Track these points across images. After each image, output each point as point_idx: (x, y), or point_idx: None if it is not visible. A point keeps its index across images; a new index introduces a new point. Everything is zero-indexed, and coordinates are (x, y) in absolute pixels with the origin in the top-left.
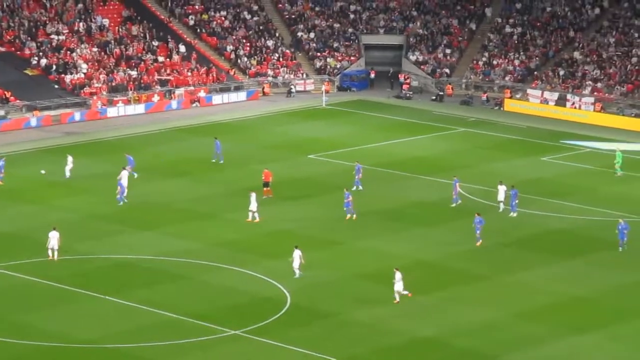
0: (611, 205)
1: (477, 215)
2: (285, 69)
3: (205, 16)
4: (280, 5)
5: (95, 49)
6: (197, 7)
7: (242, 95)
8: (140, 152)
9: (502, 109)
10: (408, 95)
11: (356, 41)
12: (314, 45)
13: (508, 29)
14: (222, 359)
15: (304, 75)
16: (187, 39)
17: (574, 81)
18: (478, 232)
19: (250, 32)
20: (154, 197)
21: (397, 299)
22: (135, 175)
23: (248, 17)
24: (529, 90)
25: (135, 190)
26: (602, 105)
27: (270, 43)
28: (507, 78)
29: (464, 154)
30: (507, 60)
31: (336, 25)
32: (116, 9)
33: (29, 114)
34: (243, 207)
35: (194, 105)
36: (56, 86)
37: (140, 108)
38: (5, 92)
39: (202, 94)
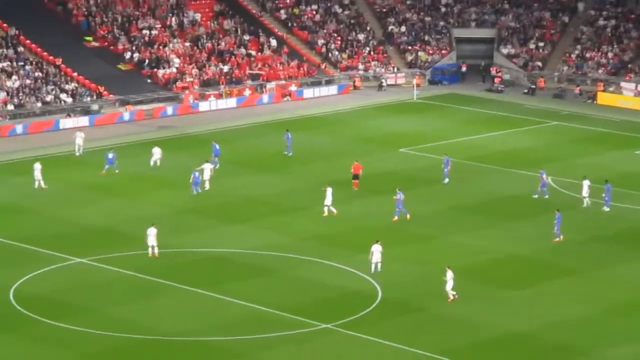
0: None
1: (556, 212)
2: (376, 62)
3: (296, 10)
4: None
5: (187, 44)
6: (288, 1)
7: (333, 89)
8: (232, 145)
9: (595, 102)
10: (500, 88)
11: (447, 34)
12: (405, 38)
13: (601, 22)
14: (314, 353)
15: (395, 69)
16: (279, 33)
17: None
18: (556, 228)
19: (342, 25)
20: (244, 190)
21: (451, 297)
22: (217, 165)
23: (339, 10)
24: (622, 83)
25: (226, 184)
26: None
27: (361, 37)
28: (600, 71)
29: (556, 148)
30: (600, 53)
31: (427, 19)
32: (208, 4)
33: (122, 108)
34: (337, 201)
35: (285, 99)
36: (149, 81)
37: (231, 102)
38: (99, 87)
39: (293, 87)
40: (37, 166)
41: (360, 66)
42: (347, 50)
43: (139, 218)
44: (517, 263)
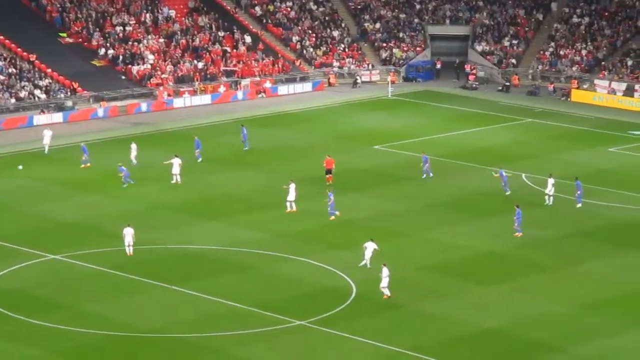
0: None
1: (516, 208)
2: (350, 59)
3: (271, 7)
4: None
5: (161, 40)
6: None
7: (307, 86)
8: (206, 142)
9: (569, 99)
10: (474, 85)
11: (422, 31)
12: (380, 35)
13: (575, 19)
14: (288, 349)
15: (370, 66)
16: (253, 30)
17: None
18: (516, 224)
19: (316, 22)
20: (219, 187)
21: (386, 293)
22: (199, 159)
23: (314, 7)
24: (596, 81)
25: (201, 181)
26: None
27: (336, 33)
28: (574, 68)
29: (530, 145)
30: (574, 50)
31: (402, 16)
32: (182, 0)
33: (96, 104)
34: (308, 197)
35: (260, 95)
36: (123, 77)
37: (206, 99)
38: (73, 83)
39: (268, 84)
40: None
41: (335, 63)
42: (321, 47)
43: (114, 214)
44: (492, 259)
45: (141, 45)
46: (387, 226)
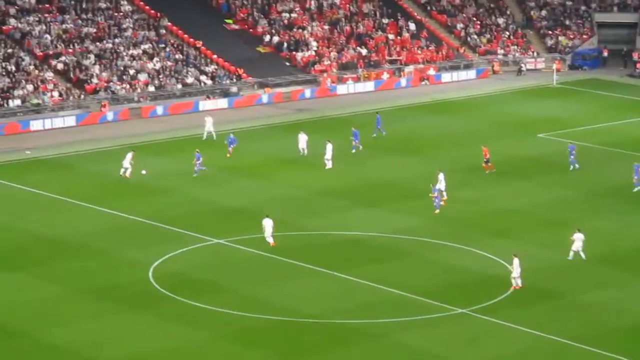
0: None
1: (432, 186)
2: (515, 47)
3: None
4: None
5: (326, 27)
6: None
7: (471, 74)
8: (369, 128)
9: None
10: None
11: (589, 19)
12: (546, 23)
13: None
14: (449, 337)
15: (535, 54)
16: (417, 17)
17: None
18: (436, 201)
19: (481, 9)
20: (380, 173)
21: (515, 284)
22: (354, 150)
23: None
24: None
25: (362, 167)
26: None
27: (500, 21)
28: None
29: None
30: None
31: (568, 3)
32: None
33: (260, 90)
34: (468, 185)
35: (423, 83)
36: (287, 63)
37: (369, 86)
38: (238, 69)
39: (431, 71)
40: (129, 155)
41: (500, 50)
42: (486, 35)
43: (276, 199)
44: None
45: (305, 31)
46: (550, 215)
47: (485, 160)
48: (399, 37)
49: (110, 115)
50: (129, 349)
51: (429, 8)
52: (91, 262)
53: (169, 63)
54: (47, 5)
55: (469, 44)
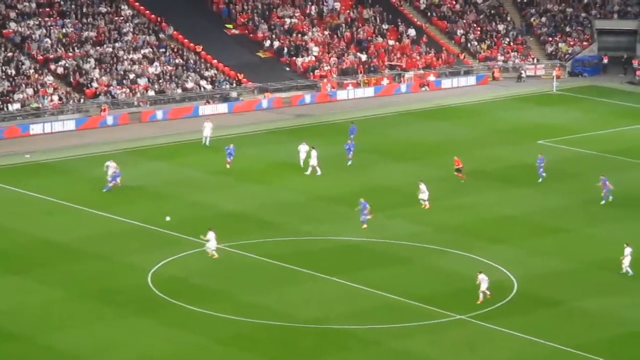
0: None
1: (362, 201)
2: (515, 53)
3: (435, 0)
4: None
5: (326, 32)
6: None
7: (471, 80)
8: (369, 134)
9: None
10: None
11: (589, 26)
12: (546, 29)
13: None
14: (448, 343)
15: (535, 60)
16: (418, 23)
17: None
18: (362, 217)
19: (481, 16)
20: (380, 179)
21: (482, 297)
22: (352, 149)
23: (479, 0)
24: None
25: (362, 173)
26: None
27: (501, 27)
28: None
29: None
30: None
31: (569, 10)
32: None
33: (260, 95)
34: (472, 191)
35: (423, 89)
36: (287, 69)
37: (369, 91)
38: (238, 74)
39: (431, 77)
40: (111, 164)
41: (500, 57)
42: (486, 41)
43: (276, 204)
44: None
45: (306, 37)
46: (550, 222)
47: (456, 169)
48: (399, 43)
49: (110, 120)
50: (129, 354)
51: (429, 14)
52: (91, 266)
53: (169, 67)
54: (47, 10)
55: (469, 50)
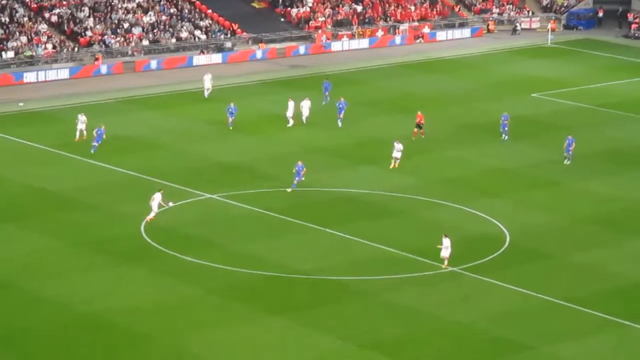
0: None
1: (298, 163)
2: (510, 6)
3: None
4: None
5: None
6: None
7: (466, 32)
8: (363, 86)
9: None
10: (637, 35)
11: None
12: None
13: None
14: (439, 295)
15: (530, 13)
16: None
17: None
18: (297, 178)
19: None
20: (375, 131)
21: (445, 263)
22: (327, 100)
23: None
24: None
25: (357, 125)
26: None
27: None
28: None
29: None
30: None
31: None
32: None
33: (255, 46)
34: (466, 143)
35: (418, 41)
36: (282, 19)
37: (364, 43)
38: (233, 25)
39: (426, 29)
40: (82, 117)
41: (495, 9)
42: None
43: (271, 156)
44: None
45: None
46: (542, 175)
47: (417, 124)
48: None
49: (104, 69)
50: (120, 302)
51: None
52: (83, 216)
53: (164, 17)
54: None
55: (464, 3)
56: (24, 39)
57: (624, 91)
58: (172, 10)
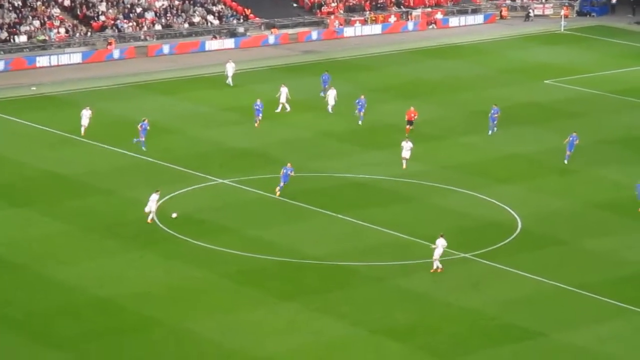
0: None
1: (287, 166)
2: None
3: None
4: None
5: None
6: None
7: (479, 18)
8: (376, 72)
9: None
10: None
11: None
12: None
13: None
14: (451, 282)
15: (543, 0)
16: None
17: None
18: (283, 181)
19: None
20: (387, 117)
21: (436, 266)
22: (322, 94)
23: None
24: None
25: (368, 111)
26: None
27: None
28: None
29: None
30: None
31: None
32: None
33: (267, 31)
34: (478, 130)
35: (431, 27)
36: (294, 5)
37: (376, 28)
38: (245, 10)
39: (439, 15)
40: (87, 112)
41: None
42: None
43: (282, 141)
44: None
45: None
46: (555, 162)
47: (408, 120)
48: None
49: (116, 53)
50: (132, 287)
51: None
52: (96, 200)
53: (176, 2)
54: None
55: None
56: (36, 23)
57: (637, 78)
58: None
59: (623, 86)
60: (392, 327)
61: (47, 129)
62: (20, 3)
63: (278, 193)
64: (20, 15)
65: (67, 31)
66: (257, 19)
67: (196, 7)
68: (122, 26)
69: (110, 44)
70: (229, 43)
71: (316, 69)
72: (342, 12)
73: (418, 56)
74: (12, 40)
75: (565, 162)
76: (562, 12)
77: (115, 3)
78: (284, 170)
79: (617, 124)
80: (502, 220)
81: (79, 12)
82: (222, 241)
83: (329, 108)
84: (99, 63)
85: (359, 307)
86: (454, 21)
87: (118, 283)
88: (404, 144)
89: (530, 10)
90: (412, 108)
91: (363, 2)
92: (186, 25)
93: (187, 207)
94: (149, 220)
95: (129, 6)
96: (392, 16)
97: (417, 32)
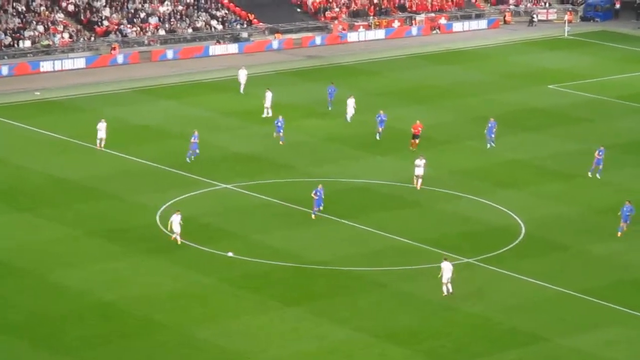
0: None
1: (319, 188)
2: None
3: None
4: None
5: None
6: None
7: (482, 23)
8: (379, 76)
9: None
10: None
11: None
12: None
13: None
14: (455, 287)
15: (547, 4)
16: None
17: None
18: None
19: None
20: (392, 122)
21: (445, 291)
22: (331, 107)
23: None
24: None
25: (373, 116)
26: None
27: None
28: None
29: None
30: None
31: None
32: None
33: (271, 36)
34: (482, 135)
35: (434, 32)
36: (298, 10)
37: (380, 33)
38: (249, 15)
39: (442, 20)
40: (102, 125)
41: (512, 0)
42: None
43: (286, 145)
44: None
45: None
46: (558, 167)
47: (414, 134)
48: None
49: (120, 58)
50: (137, 292)
51: None
52: (101, 205)
53: (180, 7)
54: None
55: None
56: (40, 28)
57: None
58: (188, 0)
59: (627, 91)
60: (396, 332)
61: (51, 133)
62: (24, 8)
63: (314, 216)
64: (24, 20)
65: (71, 36)
66: (260, 24)
67: (200, 12)
68: (125, 31)
69: (114, 49)
70: (233, 48)
71: (320, 74)
72: (345, 17)
73: (421, 61)
74: (16, 45)
75: (598, 176)
76: (566, 17)
77: (119, 8)
78: (318, 193)
79: (621, 129)
80: (506, 226)
81: (82, 17)
82: (226, 246)
83: (348, 117)
84: (103, 68)
85: (363, 312)
86: (457, 26)
87: (123, 288)
88: (417, 161)
89: (534, 16)
90: (417, 122)
91: (367, 7)
92: (190, 30)
93: (192, 212)
94: (178, 243)
95: (132, 11)
96: (396, 21)
97: (420, 37)
